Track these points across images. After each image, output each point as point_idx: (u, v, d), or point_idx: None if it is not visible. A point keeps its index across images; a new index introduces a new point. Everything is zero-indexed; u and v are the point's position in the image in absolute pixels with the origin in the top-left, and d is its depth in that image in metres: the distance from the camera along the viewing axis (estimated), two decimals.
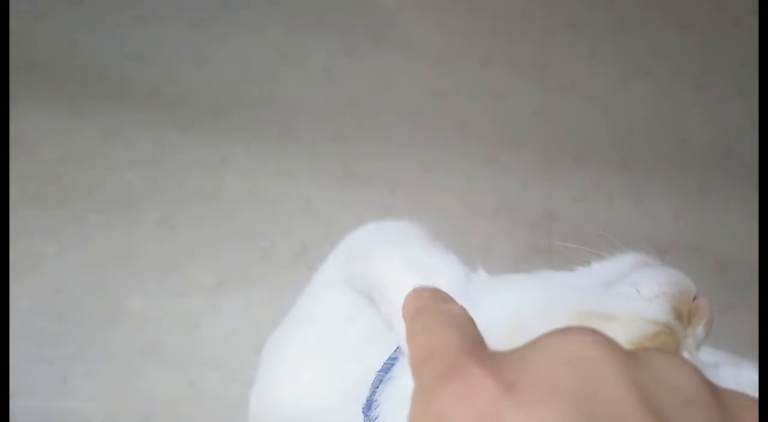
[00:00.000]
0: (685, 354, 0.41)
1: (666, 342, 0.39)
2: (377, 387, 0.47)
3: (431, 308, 0.40)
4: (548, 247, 1.24)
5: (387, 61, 1.24)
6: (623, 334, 0.38)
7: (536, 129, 1.30)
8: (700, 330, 0.42)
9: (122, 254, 1.04)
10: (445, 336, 0.34)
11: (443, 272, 0.46)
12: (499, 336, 0.40)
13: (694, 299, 0.44)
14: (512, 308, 0.43)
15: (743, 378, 0.58)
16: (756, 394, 0.53)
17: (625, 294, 0.43)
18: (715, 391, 0.26)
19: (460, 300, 0.44)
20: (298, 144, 1.16)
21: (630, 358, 0.27)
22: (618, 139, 1.33)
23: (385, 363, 0.48)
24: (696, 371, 0.28)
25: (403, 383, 0.45)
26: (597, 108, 1.33)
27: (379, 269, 0.48)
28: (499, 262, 1.21)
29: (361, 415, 0.46)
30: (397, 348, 0.48)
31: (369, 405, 0.46)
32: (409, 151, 1.22)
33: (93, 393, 0.96)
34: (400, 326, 0.44)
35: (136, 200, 1.07)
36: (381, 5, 1.26)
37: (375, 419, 0.45)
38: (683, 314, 0.42)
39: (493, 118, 1.28)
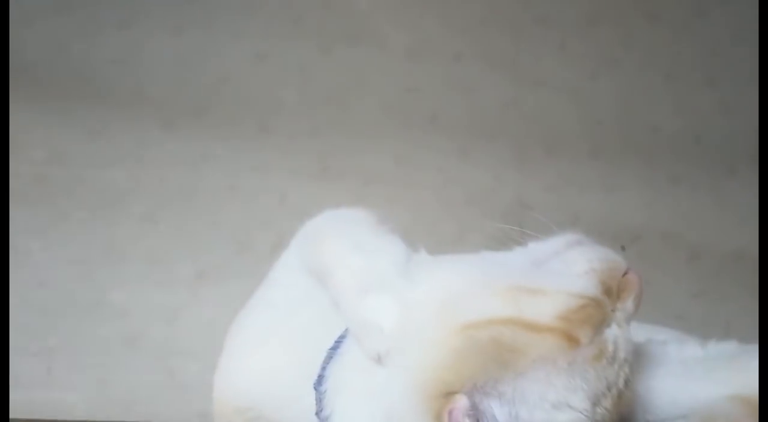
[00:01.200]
0: (614, 327, 0.44)
1: (592, 315, 0.42)
2: (327, 364, 0.51)
3: None
4: (520, 235, 1.28)
5: (360, 59, 1.28)
6: (550, 307, 0.42)
7: (507, 122, 1.33)
8: (629, 304, 0.46)
9: (105, 249, 1.08)
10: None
11: (385, 252, 0.50)
12: (430, 309, 0.44)
13: (624, 275, 0.47)
14: (445, 284, 0.46)
15: (687, 354, 0.61)
16: (700, 368, 0.56)
17: (556, 271, 0.47)
18: None
19: (399, 277, 0.48)
20: (274, 140, 1.21)
21: None
22: (588, 129, 1.36)
23: (335, 341, 0.52)
24: None
25: (350, 358, 0.49)
26: (567, 100, 1.36)
27: (327, 251, 0.52)
28: (472, 251, 1.24)
29: (313, 391, 0.50)
30: (347, 327, 0.52)
31: (320, 381, 0.50)
32: (382, 145, 1.26)
33: (76, 383, 1.01)
34: (346, 303, 0.48)
35: (118, 197, 1.11)
36: (353, 6, 1.30)
37: (324, 392, 0.49)
38: (612, 289, 0.46)
39: (464, 112, 1.32)
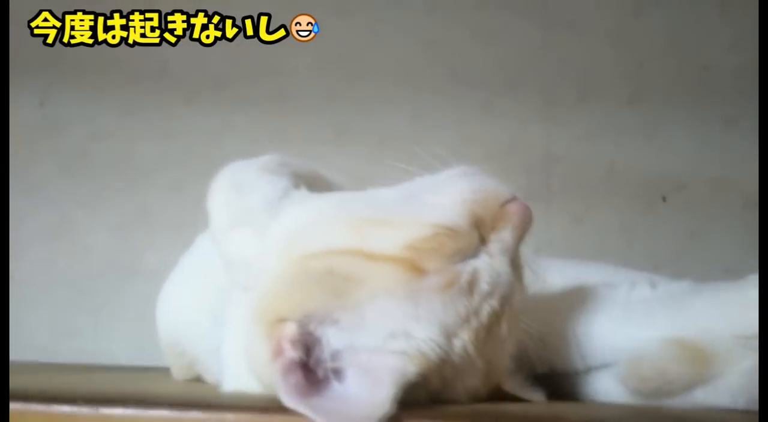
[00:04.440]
0: (483, 258, 0.43)
1: (444, 244, 0.41)
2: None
3: None
4: (546, 190, 1.23)
5: (376, 18, 1.27)
6: (400, 237, 0.42)
7: (535, 70, 1.27)
8: (506, 235, 0.44)
9: (140, 217, 1.19)
10: None
11: (257, 189, 0.52)
12: (278, 241, 0.46)
13: (504, 206, 0.45)
14: (297, 217, 0.48)
15: (635, 296, 0.56)
16: (642, 310, 0.53)
17: (423, 202, 0.46)
18: None
19: (265, 213, 0.49)
20: (291, 107, 1.24)
21: None
22: (627, 72, 1.26)
23: None
24: None
25: (244, 295, 0.52)
26: (603, 42, 1.26)
27: (210, 194, 0.54)
28: None
29: (219, 326, 0.53)
30: None
31: (216, 319, 0.54)
32: (400, 104, 1.25)
33: (118, 334, 1.14)
34: (217, 239, 0.51)
35: (149, 169, 1.21)
36: None
37: (223, 324, 0.53)
38: (485, 220, 0.44)
39: (487, 62, 1.27)
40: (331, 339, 0.38)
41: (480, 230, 0.43)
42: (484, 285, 0.41)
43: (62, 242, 1.20)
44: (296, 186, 0.53)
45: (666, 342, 0.48)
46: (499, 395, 0.45)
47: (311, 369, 0.37)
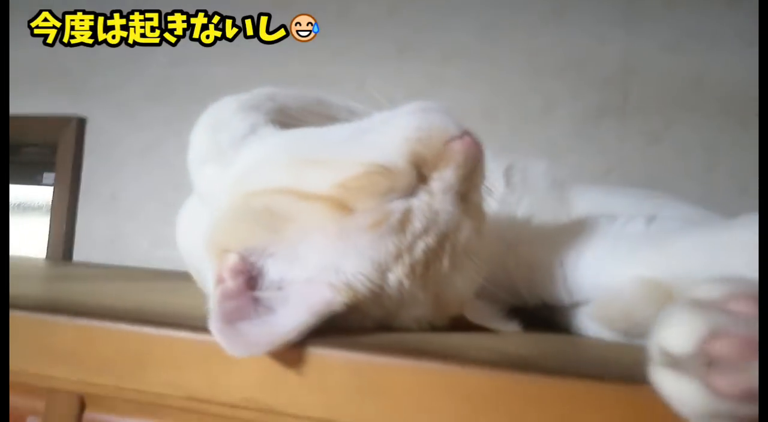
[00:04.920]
0: (423, 196, 0.42)
1: (375, 182, 0.41)
2: None
3: None
4: (622, 106, 1.14)
5: None
6: (329, 176, 0.42)
7: None
8: (448, 173, 0.42)
9: None
10: None
11: (228, 127, 0.54)
12: (233, 173, 0.49)
13: (448, 144, 0.43)
14: (253, 155, 0.50)
15: (627, 231, 0.54)
16: (628, 246, 0.50)
17: (368, 141, 0.45)
18: None
19: (232, 149, 0.51)
20: (354, 23, 1.23)
21: None
22: None
23: None
24: None
25: None
26: None
27: (192, 134, 0.57)
28: (559, 125, 1.15)
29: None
30: None
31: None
32: (464, 17, 1.19)
33: None
34: (192, 173, 0.54)
35: (221, 90, 1.27)
36: None
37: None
38: (427, 159, 0.43)
39: None
40: (270, 269, 0.40)
41: (422, 169, 0.42)
42: (417, 224, 0.40)
43: (152, 159, 1.31)
44: (272, 122, 0.53)
45: (640, 283, 0.45)
46: (462, 324, 0.46)
47: (252, 298, 0.39)
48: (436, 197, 0.42)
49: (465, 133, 0.43)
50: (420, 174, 0.42)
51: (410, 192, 0.42)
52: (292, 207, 0.41)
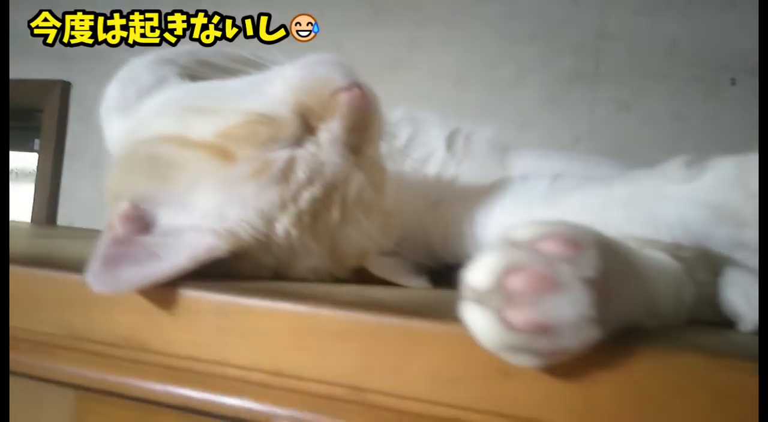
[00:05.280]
0: (309, 146, 0.42)
1: (257, 131, 0.42)
2: None
3: None
4: (594, 72, 1.13)
5: None
6: (212, 125, 0.42)
7: None
8: (334, 125, 0.43)
9: None
10: None
11: (135, 81, 0.55)
12: (130, 123, 0.50)
13: (334, 95, 0.42)
14: (151, 106, 0.51)
15: (555, 189, 0.54)
16: (532, 204, 0.51)
17: (258, 91, 0.45)
18: None
19: (138, 102, 0.52)
20: None
21: None
22: None
23: None
24: None
25: None
26: None
27: (106, 88, 0.57)
28: (530, 92, 1.15)
29: None
30: None
31: None
32: None
33: None
34: (104, 129, 0.55)
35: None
36: None
37: None
38: (313, 109, 0.43)
39: None
40: (162, 219, 0.41)
41: (309, 120, 0.43)
42: (300, 173, 0.41)
43: None
44: (188, 76, 0.54)
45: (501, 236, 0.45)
46: (367, 278, 0.46)
47: (141, 245, 0.40)
48: (323, 148, 0.42)
49: (354, 84, 0.43)
50: (308, 125, 0.43)
51: (296, 143, 0.42)
52: (179, 155, 0.43)
